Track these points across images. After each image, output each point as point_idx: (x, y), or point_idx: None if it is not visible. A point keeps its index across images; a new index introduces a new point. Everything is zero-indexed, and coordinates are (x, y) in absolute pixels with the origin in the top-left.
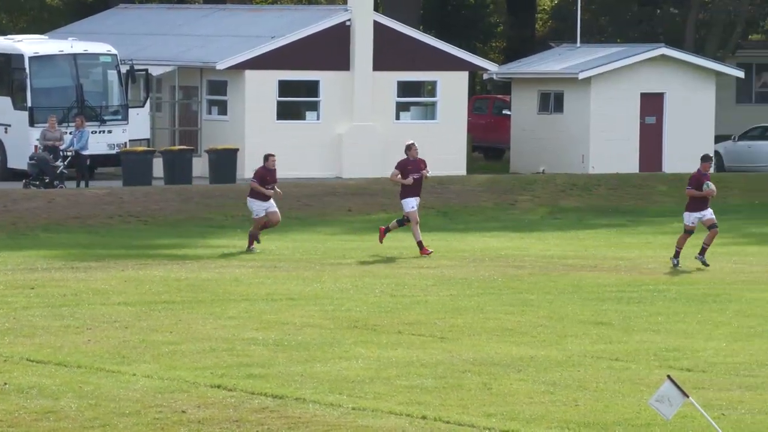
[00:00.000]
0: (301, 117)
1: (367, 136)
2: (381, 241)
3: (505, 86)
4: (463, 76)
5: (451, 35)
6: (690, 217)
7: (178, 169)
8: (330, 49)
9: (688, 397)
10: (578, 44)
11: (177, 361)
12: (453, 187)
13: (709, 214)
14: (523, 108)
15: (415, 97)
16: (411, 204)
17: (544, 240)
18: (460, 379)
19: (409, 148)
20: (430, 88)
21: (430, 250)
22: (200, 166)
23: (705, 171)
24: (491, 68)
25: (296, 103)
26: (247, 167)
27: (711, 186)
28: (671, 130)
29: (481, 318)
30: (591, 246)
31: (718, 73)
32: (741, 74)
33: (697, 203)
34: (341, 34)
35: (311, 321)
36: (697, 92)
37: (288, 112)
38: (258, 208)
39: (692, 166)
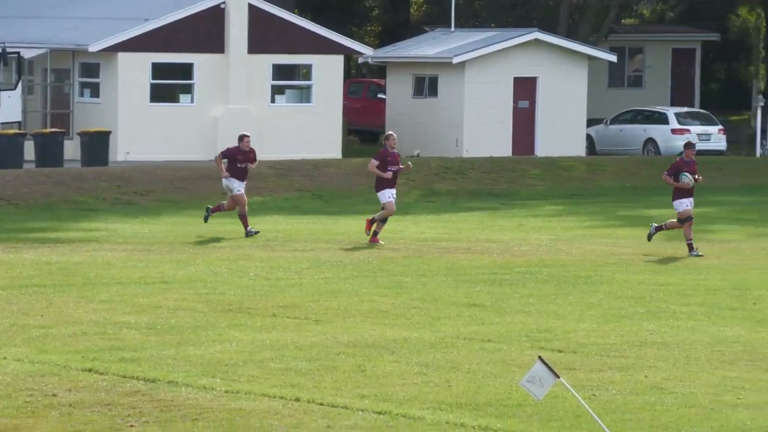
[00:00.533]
0: (176, 100)
1: (242, 119)
2: (368, 233)
3: (380, 70)
4: (338, 60)
5: (326, 19)
6: (682, 205)
7: (50, 151)
8: (204, 32)
9: (559, 377)
10: (453, 29)
11: (48, 345)
12: (328, 170)
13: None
14: (397, 92)
15: (290, 81)
16: (387, 195)
17: (418, 223)
18: (334, 362)
19: (387, 138)
20: (305, 72)
21: (381, 241)
22: (72, 148)
23: (688, 158)
24: (366, 52)
25: (170, 85)
26: (120, 150)
27: (684, 179)
28: (544, 114)
29: (355, 300)
30: (464, 229)
31: (590, 58)
32: (613, 58)
33: (683, 191)
34: (216, 17)
35: (184, 304)
36: (569, 76)
37: (162, 94)
38: (226, 184)
39: (564, 150)
